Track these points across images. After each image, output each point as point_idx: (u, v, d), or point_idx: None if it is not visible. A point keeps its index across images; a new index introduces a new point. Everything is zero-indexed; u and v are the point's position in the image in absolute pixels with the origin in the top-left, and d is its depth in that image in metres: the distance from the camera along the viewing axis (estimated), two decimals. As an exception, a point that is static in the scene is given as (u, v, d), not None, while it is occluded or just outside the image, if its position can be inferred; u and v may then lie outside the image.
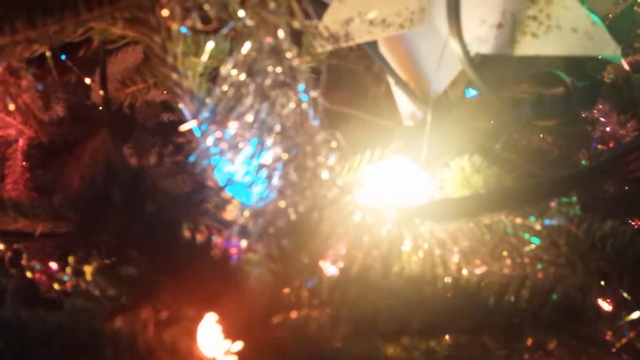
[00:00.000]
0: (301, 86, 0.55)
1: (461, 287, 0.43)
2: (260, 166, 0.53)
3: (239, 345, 0.40)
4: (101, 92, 0.79)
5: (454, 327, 0.42)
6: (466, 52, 0.62)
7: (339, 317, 0.43)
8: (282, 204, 0.51)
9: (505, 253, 0.57)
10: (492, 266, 0.57)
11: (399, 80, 0.69)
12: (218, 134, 0.57)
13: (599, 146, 0.79)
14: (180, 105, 0.61)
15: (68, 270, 0.63)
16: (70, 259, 0.61)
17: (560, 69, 0.77)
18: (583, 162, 0.76)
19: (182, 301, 0.43)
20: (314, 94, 0.55)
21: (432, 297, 0.44)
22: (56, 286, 0.64)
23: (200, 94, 0.61)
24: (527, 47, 0.64)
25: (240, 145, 0.57)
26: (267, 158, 0.53)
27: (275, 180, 0.52)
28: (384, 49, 0.71)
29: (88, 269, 0.61)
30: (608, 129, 0.81)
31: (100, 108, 1.11)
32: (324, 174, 0.52)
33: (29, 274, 0.66)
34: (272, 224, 0.50)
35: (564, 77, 0.74)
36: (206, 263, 0.41)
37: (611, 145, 0.80)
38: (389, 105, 0.94)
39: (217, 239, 0.45)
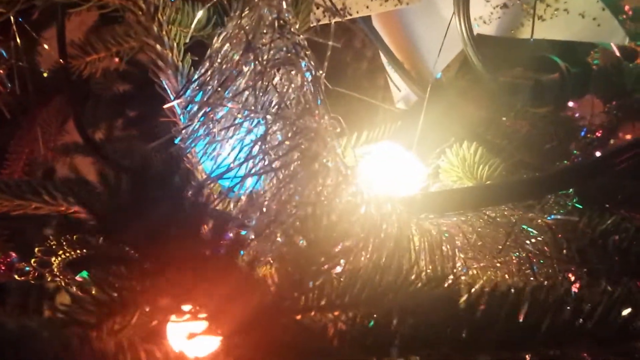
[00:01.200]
0: (304, 64, 0.50)
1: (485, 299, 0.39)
2: (257, 152, 0.48)
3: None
4: (60, 60, 0.71)
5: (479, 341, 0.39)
6: (470, 33, 0.58)
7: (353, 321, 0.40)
8: (284, 195, 0.46)
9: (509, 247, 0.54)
10: (498, 262, 0.54)
11: (393, 60, 0.65)
12: (206, 114, 0.51)
13: (588, 135, 0.77)
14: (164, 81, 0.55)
15: (34, 261, 0.56)
16: (36, 249, 0.55)
17: (553, 53, 0.74)
18: (575, 151, 0.74)
19: (179, 295, 0.38)
20: (317, 73, 0.50)
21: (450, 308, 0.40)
22: (17, 277, 0.58)
23: (184, 68, 0.55)
24: (531, 30, 0.61)
25: (233, 128, 0.51)
26: (264, 143, 0.48)
27: (273, 168, 0.47)
28: (379, 26, 0.66)
29: (55, 261, 0.55)
30: (594, 117, 0.79)
31: (45, 75, 1.02)
32: (330, 162, 0.47)
33: (-17, 263, 0.59)
34: (274, 218, 0.45)
35: (559, 62, 0.71)
36: (212, 258, 0.35)
37: (598, 134, 0.79)
38: (370, 84, 0.89)
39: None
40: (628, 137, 0.84)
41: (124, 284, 0.33)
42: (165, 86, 0.56)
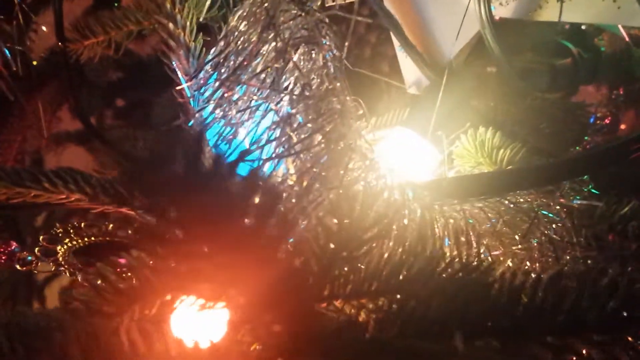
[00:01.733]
0: (325, 43, 0.48)
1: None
2: (279, 134, 0.46)
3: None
4: (59, 43, 0.69)
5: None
6: (490, 15, 0.57)
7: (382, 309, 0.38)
8: (308, 179, 0.44)
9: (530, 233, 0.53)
10: (520, 248, 0.53)
11: (406, 43, 0.63)
12: (223, 95, 0.49)
13: (597, 121, 0.76)
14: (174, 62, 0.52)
15: (38, 250, 0.54)
16: (41, 237, 0.53)
17: (561, 37, 0.73)
18: (585, 137, 0.73)
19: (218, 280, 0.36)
20: (339, 52, 0.48)
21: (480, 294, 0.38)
22: (18, 267, 0.56)
23: (196, 49, 0.53)
24: (550, 12, 0.59)
25: (251, 109, 0.49)
26: (287, 124, 0.46)
27: (297, 151, 0.45)
28: (391, 7, 0.64)
29: (61, 249, 0.53)
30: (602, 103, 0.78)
31: (35, 63, 0.99)
32: (354, 145, 0.45)
33: (-17, 253, 0.56)
34: (298, 202, 0.43)
35: (571, 47, 0.70)
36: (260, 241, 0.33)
37: (607, 121, 0.78)
38: (373, 70, 0.87)
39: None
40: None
41: (157, 268, 0.31)
42: (175, 68, 0.53)
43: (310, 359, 0.35)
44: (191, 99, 0.57)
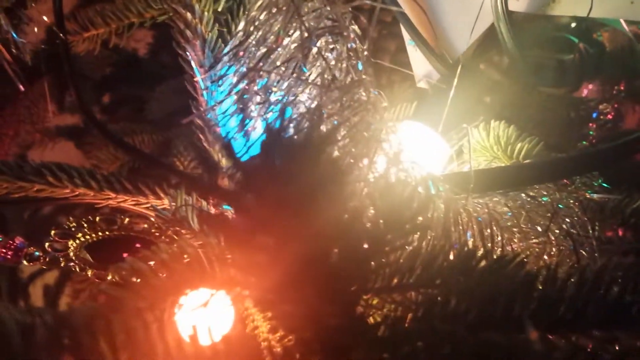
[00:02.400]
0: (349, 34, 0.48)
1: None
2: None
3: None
4: (60, 35, 0.67)
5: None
6: (506, 8, 0.56)
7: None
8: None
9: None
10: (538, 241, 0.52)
11: (417, 36, 0.63)
12: (242, 88, 0.48)
13: (601, 117, 0.76)
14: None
15: (48, 245, 0.52)
16: (52, 232, 0.51)
17: (565, 32, 0.73)
18: (590, 132, 0.73)
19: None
20: (363, 43, 0.48)
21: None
22: (25, 263, 0.54)
23: (212, 40, 0.52)
24: (565, 7, 0.59)
25: (270, 102, 0.49)
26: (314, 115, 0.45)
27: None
28: (402, 2, 0.64)
29: (73, 244, 0.52)
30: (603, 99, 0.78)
31: (21, 55, 0.97)
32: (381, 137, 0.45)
33: (-12, 249, 0.54)
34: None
35: (578, 43, 0.70)
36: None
37: (610, 117, 0.78)
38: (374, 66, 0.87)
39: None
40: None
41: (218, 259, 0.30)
42: (190, 59, 0.52)
43: (349, 355, 0.34)
44: (205, 92, 0.56)
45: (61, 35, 0.68)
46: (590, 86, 0.80)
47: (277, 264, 0.27)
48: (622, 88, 0.80)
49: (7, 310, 0.26)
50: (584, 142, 0.72)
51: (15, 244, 0.54)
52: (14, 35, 0.74)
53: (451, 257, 0.39)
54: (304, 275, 0.28)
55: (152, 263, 0.36)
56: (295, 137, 0.25)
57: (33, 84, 0.92)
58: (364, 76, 0.46)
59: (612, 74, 0.79)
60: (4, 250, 0.54)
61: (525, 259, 0.38)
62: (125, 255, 0.52)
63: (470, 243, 0.48)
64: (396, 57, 0.86)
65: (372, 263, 0.37)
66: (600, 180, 0.60)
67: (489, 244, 0.47)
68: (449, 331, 0.32)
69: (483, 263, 0.39)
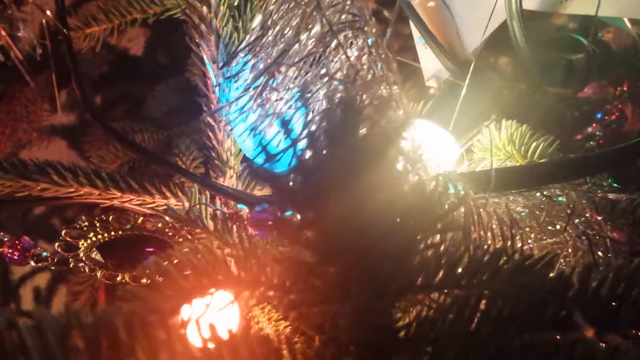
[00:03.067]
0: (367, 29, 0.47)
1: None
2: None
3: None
4: (64, 31, 0.65)
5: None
6: (520, 6, 0.56)
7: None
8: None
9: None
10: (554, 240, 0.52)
11: (427, 33, 0.62)
12: (262, 83, 0.48)
13: (605, 117, 0.76)
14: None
15: (58, 245, 0.51)
16: (63, 232, 0.50)
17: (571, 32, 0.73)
18: (597, 132, 0.73)
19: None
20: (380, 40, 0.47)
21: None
22: (32, 264, 0.53)
23: (227, 35, 0.51)
24: (576, 5, 0.59)
25: (287, 99, 0.48)
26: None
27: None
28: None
29: (84, 244, 0.50)
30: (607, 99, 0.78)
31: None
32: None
33: (-7, 249, 0.53)
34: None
35: (585, 42, 0.70)
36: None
37: (614, 117, 0.78)
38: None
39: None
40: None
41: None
42: (203, 55, 0.51)
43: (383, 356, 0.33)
44: (217, 88, 0.55)
45: (64, 31, 0.67)
46: (593, 86, 0.79)
47: (326, 263, 0.26)
48: (624, 89, 0.80)
49: (40, 311, 0.25)
50: (591, 143, 0.72)
51: (22, 244, 0.53)
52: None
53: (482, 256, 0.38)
54: (352, 273, 0.27)
55: (175, 262, 0.35)
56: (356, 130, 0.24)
57: (30, 82, 0.91)
58: (383, 72, 0.45)
59: (615, 75, 0.79)
60: (11, 251, 0.52)
61: (553, 259, 0.38)
62: (136, 255, 0.51)
63: (490, 243, 0.47)
64: (400, 56, 0.86)
65: (409, 261, 0.36)
66: (610, 180, 0.60)
67: (509, 244, 0.47)
68: (493, 333, 0.31)
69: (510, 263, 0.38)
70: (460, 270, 0.38)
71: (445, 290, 0.38)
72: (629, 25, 0.73)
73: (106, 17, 0.73)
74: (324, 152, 0.25)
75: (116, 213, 0.51)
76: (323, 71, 0.45)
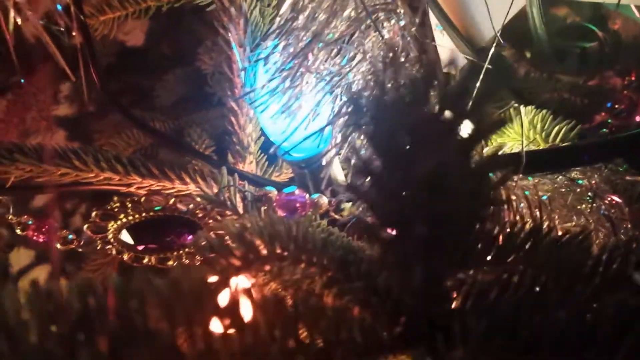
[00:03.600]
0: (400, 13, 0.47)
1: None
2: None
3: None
4: (81, 17, 0.65)
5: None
6: (540, -8, 0.57)
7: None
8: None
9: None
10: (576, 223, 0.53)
11: (445, 20, 0.63)
12: (293, 66, 0.48)
13: (616, 105, 0.77)
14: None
15: (87, 227, 0.51)
16: (94, 213, 0.50)
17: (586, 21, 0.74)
18: (609, 120, 0.74)
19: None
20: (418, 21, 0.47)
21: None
22: (59, 246, 0.53)
23: (255, 18, 0.51)
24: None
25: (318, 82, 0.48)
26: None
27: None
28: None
29: (113, 225, 0.50)
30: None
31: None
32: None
33: (18, 231, 0.53)
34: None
35: (597, 31, 0.71)
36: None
37: (624, 106, 0.79)
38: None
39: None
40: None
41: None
42: (230, 38, 0.51)
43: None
44: (243, 72, 0.55)
45: (81, 17, 0.67)
46: (603, 75, 0.80)
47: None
48: (632, 78, 0.81)
49: (113, 277, 0.25)
50: (604, 130, 0.73)
51: (47, 226, 0.53)
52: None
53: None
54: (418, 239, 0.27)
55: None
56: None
57: (37, 72, 0.90)
58: (416, 53, 0.45)
59: (624, 63, 0.80)
60: (37, 234, 0.52)
61: (589, 235, 0.39)
62: (164, 237, 0.51)
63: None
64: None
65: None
66: (625, 166, 0.60)
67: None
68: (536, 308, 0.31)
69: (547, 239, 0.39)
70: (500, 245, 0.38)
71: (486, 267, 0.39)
72: (637, 14, 0.74)
73: (120, 5, 0.73)
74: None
75: (147, 194, 0.51)
76: (356, 52, 0.45)
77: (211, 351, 0.25)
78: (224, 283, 0.27)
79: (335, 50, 0.47)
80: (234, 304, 0.26)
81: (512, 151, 0.59)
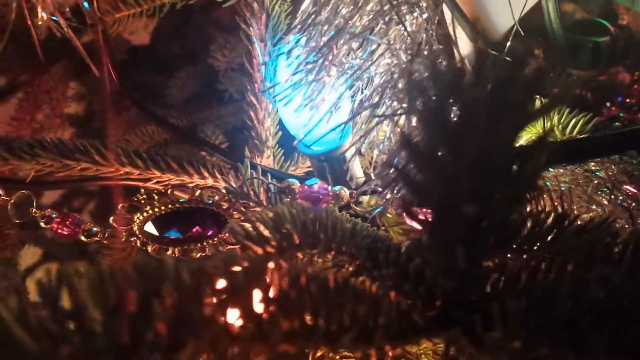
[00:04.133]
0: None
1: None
2: (385, 97, 0.46)
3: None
4: (97, 15, 0.66)
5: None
6: (556, -14, 0.57)
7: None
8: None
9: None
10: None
11: (459, 14, 0.63)
12: (310, 58, 0.49)
13: (627, 100, 0.78)
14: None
15: (112, 219, 0.52)
16: (120, 206, 0.51)
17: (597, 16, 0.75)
18: (621, 114, 0.75)
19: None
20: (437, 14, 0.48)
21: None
22: (83, 239, 0.53)
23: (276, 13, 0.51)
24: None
25: (341, 73, 0.49)
26: (395, 86, 0.46)
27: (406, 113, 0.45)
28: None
29: (139, 217, 0.51)
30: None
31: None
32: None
33: (43, 224, 0.54)
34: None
35: (609, 26, 0.71)
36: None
37: (634, 100, 0.80)
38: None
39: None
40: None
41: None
42: (251, 33, 0.52)
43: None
44: (263, 67, 0.55)
45: (97, 14, 0.68)
46: (614, 70, 0.81)
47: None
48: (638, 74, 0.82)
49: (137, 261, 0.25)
50: (617, 124, 0.73)
51: (71, 219, 0.54)
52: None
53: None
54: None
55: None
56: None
57: (49, 69, 0.91)
58: (441, 46, 0.46)
59: (634, 59, 0.81)
60: (61, 227, 0.53)
61: (612, 223, 0.39)
62: (189, 229, 0.52)
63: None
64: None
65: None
66: (639, 159, 0.61)
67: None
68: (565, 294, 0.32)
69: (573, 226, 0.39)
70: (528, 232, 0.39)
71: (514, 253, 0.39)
72: (646, 9, 0.75)
73: (135, 2, 0.73)
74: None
75: (175, 186, 0.52)
76: (378, 45, 0.46)
77: (261, 332, 0.25)
78: (264, 269, 0.27)
79: (357, 44, 0.48)
80: (281, 288, 0.27)
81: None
